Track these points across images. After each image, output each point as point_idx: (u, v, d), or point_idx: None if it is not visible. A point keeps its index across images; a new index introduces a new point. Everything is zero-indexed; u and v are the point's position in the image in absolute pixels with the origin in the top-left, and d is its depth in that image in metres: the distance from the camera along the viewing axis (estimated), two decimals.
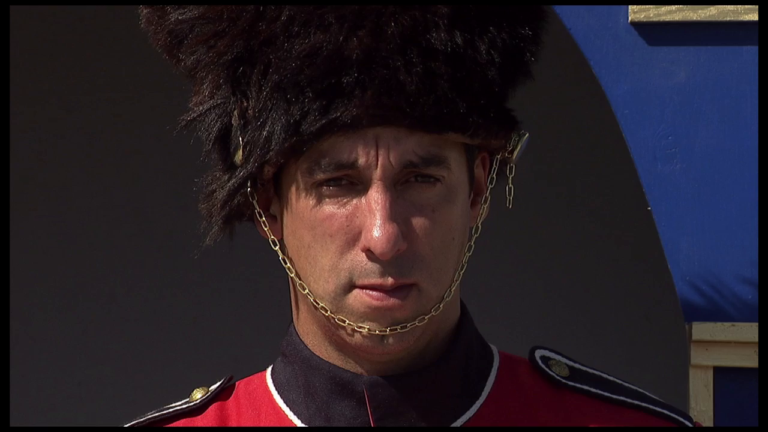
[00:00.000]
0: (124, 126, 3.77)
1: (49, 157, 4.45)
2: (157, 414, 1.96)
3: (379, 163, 1.65)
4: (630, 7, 3.17)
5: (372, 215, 1.64)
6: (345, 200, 1.68)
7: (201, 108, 1.74)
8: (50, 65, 4.28)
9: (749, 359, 2.92)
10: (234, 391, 1.94)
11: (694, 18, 3.18)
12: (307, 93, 1.64)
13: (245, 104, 1.70)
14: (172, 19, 1.75)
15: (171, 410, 1.94)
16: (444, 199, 1.70)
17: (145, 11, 1.83)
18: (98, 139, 4.24)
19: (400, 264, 1.65)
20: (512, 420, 1.84)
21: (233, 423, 1.93)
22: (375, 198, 1.65)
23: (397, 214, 1.65)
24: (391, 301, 1.66)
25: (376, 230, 1.62)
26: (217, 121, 1.72)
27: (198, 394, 1.92)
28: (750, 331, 2.92)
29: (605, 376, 1.97)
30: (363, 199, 1.67)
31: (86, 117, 3.97)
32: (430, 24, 1.66)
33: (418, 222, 1.67)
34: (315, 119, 1.63)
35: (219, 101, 1.73)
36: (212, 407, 1.89)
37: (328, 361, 1.80)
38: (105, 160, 4.56)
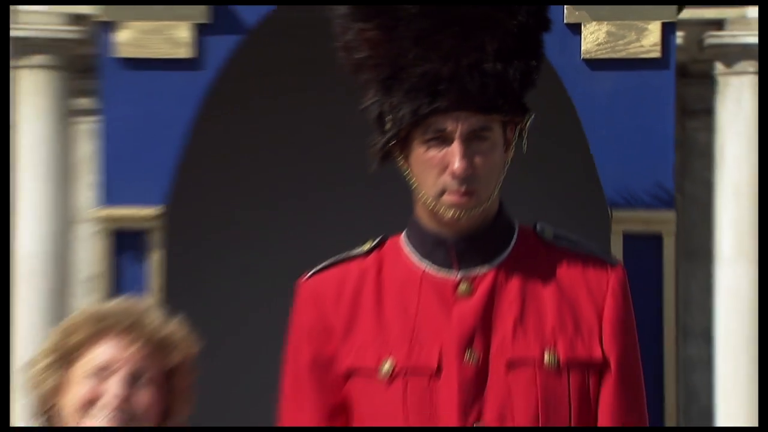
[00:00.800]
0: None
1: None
2: (340, 257, 2.97)
3: (458, 129, 2.64)
4: None
5: (454, 156, 2.62)
6: (440, 149, 2.65)
7: (368, 102, 2.76)
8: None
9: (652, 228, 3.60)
10: (386, 244, 2.92)
11: None
12: (421, 94, 2.67)
13: (390, 100, 2.72)
14: (354, 57, 2.76)
15: (351, 255, 2.93)
16: (490, 149, 2.70)
17: (341, 54, 2.80)
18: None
19: (467, 181, 2.66)
20: (523, 261, 2.89)
21: (386, 262, 2.94)
22: (456, 147, 2.63)
23: (466, 155, 2.64)
24: (464, 199, 2.69)
25: (457, 163, 2.62)
26: (376, 109, 2.74)
27: (367, 245, 2.87)
28: (653, 214, 3.45)
29: (573, 237, 2.97)
30: (449, 148, 2.63)
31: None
32: (485, 57, 2.73)
33: (477, 160, 2.67)
34: (425, 107, 2.64)
35: (376, 99, 2.75)
36: (374, 253, 2.89)
37: (431, 227, 2.81)
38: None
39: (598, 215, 3.48)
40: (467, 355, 2.75)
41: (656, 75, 3.38)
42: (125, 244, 3.33)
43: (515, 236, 2.93)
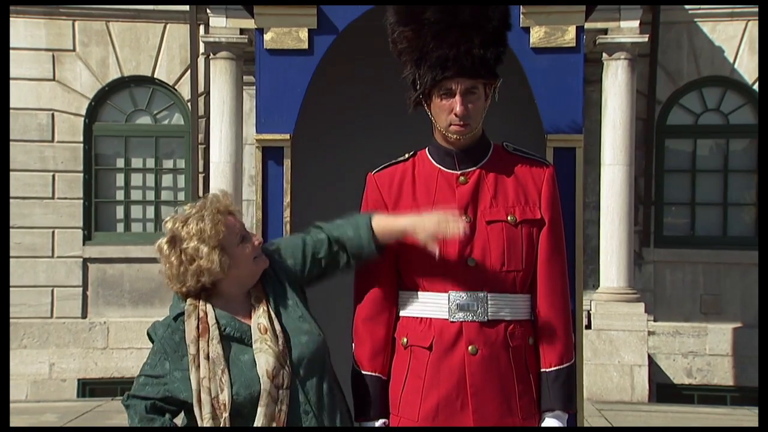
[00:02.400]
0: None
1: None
2: (391, 162, 3.70)
3: (458, 88, 3.44)
4: None
5: (456, 104, 3.44)
6: (448, 100, 3.45)
7: (405, 73, 3.55)
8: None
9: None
10: (417, 155, 3.68)
11: None
12: (437, 68, 3.41)
13: (419, 71, 3.48)
14: (398, 47, 3.54)
15: (397, 161, 3.69)
16: (477, 99, 3.48)
17: (391, 44, 3.58)
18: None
19: (464, 118, 3.45)
20: (495, 164, 3.61)
21: (417, 165, 3.65)
22: (457, 99, 3.44)
23: (463, 103, 3.44)
24: (462, 128, 3.50)
25: (458, 107, 3.44)
26: (411, 77, 3.51)
27: (407, 155, 3.69)
28: (570, 137, 4.13)
29: (524, 150, 3.71)
30: (453, 99, 3.44)
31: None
32: (474, 46, 3.42)
33: (470, 106, 3.45)
34: (439, 76, 3.42)
35: (411, 71, 3.50)
36: (410, 160, 3.67)
37: (443, 145, 3.59)
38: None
39: (539, 138, 4.06)
40: (464, 218, 3.51)
41: (572, 57, 4.05)
42: (270, 155, 4.02)
43: (491, 149, 3.67)
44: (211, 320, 3.37)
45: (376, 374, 3.60)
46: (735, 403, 13.30)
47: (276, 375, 3.30)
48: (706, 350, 14.06)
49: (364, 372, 3.60)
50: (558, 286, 3.60)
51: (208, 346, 3.35)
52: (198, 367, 3.31)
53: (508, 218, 3.55)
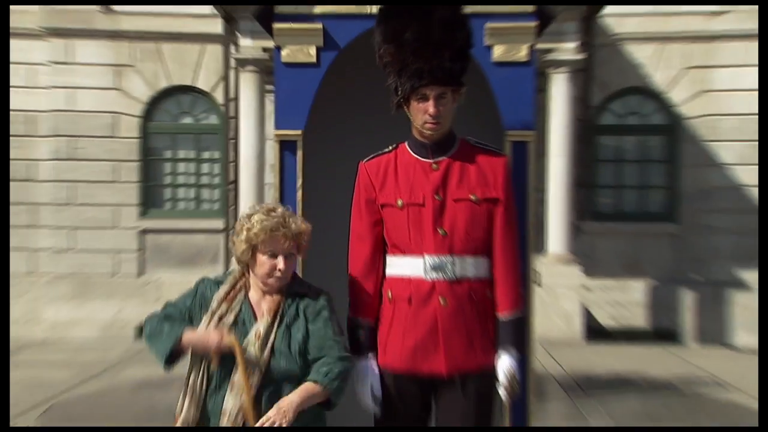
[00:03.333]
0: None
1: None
2: (378, 153, 3.60)
3: (432, 93, 3.34)
4: None
5: (430, 106, 3.34)
6: (423, 103, 3.34)
7: (389, 82, 3.43)
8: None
9: None
10: (399, 147, 3.58)
11: None
12: (415, 78, 3.32)
13: (400, 80, 3.37)
14: (383, 60, 3.44)
15: (383, 152, 3.59)
16: (447, 102, 3.38)
17: (377, 58, 3.46)
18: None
19: (436, 118, 3.36)
20: (461, 154, 3.50)
21: (399, 155, 3.53)
22: (431, 102, 3.34)
23: (436, 106, 3.35)
24: (434, 127, 3.40)
25: (431, 109, 3.35)
26: (393, 84, 3.40)
27: (390, 147, 3.58)
28: (524, 132, 3.99)
29: (484, 143, 3.59)
30: (428, 102, 3.34)
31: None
32: (444, 61, 3.34)
33: (441, 108, 3.36)
34: (417, 84, 3.32)
35: (394, 80, 3.39)
36: (393, 151, 3.57)
37: (419, 139, 3.47)
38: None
39: (499, 133, 3.93)
40: (436, 197, 3.45)
41: (526, 70, 3.93)
42: (286, 147, 3.94)
43: (457, 143, 3.58)
44: (240, 297, 3.33)
45: (366, 321, 3.56)
46: (649, 342, 13.35)
47: (251, 372, 3.20)
48: (626, 300, 14.14)
49: (357, 318, 3.58)
50: (511, 251, 3.54)
51: (227, 311, 3.32)
52: (209, 322, 3.27)
53: (471, 197, 3.48)
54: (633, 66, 14.59)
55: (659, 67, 14.50)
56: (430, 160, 3.50)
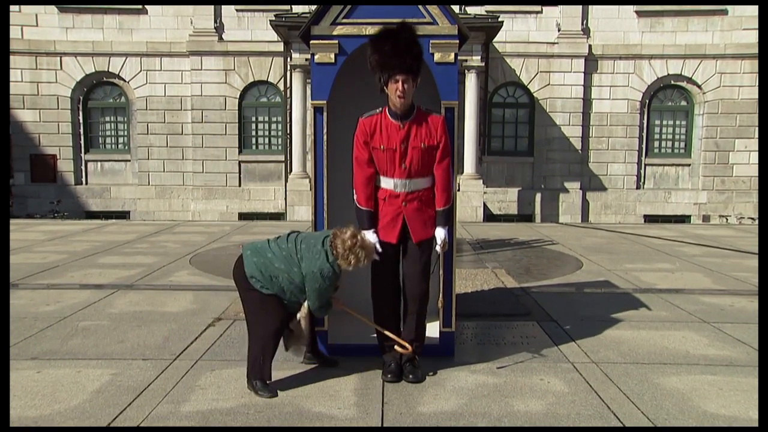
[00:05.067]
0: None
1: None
2: (371, 112, 3.27)
3: (401, 78, 3.08)
4: None
5: (399, 87, 3.09)
6: (395, 84, 3.09)
7: (375, 75, 3.17)
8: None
9: None
10: (384, 109, 3.24)
11: None
12: (390, 69, 3.10)
13: (382, 74, 3.14)
14: (371, 64, 3.15)
15: (374, 112, 3.27)
16: (411, 85, 3.12)
17: (368, 61, 3.14)
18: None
19: (404, 94, 3.12)
20: (417, 118, 3.18)
21: (383, 118, 3.20)
22: (400, 84, 3.09)
23: (403, 87, 3.10)
24: (402, 101, 3.14)
25: (400, 87, 3.09)
26: (377, 76, 3.15)
27: (378, 109, 3.25)
28: (452, 102, 3.57)
29: (432, 109, 3.32)
30: (398, 84, 3.09)
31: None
32: (410, 60, 3.09)
33: (406, 87, 3.11)
34: (392, 74, 3.10)
35: (378, 73, 3.14)
36: (380, 114, 3.24)
37: (392, 108, 3.18)
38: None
39: (438, 102, 3.57)
40: (402, 145, 3.19)
41: (452, 68, 3.56)
42: (318, 111, 3.61)
43: (415, 110, 3.23)
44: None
45: (369, 209, 3.35)
46: (518, 221, 13.36)
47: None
48: (507, 200, 14.08)
49: (363, 208, 3.36)
50: (445, 172, 3.33)
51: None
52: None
53: (422, 145, 3.26)
54: (510, 70, 14.20)
55: (523, 71, 14.08)
56: (399, 123, 3.25)
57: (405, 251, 3.34)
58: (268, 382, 3.06)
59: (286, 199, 13.66)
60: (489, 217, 13.68)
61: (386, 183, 3.28)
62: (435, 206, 3.31)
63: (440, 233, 3.29)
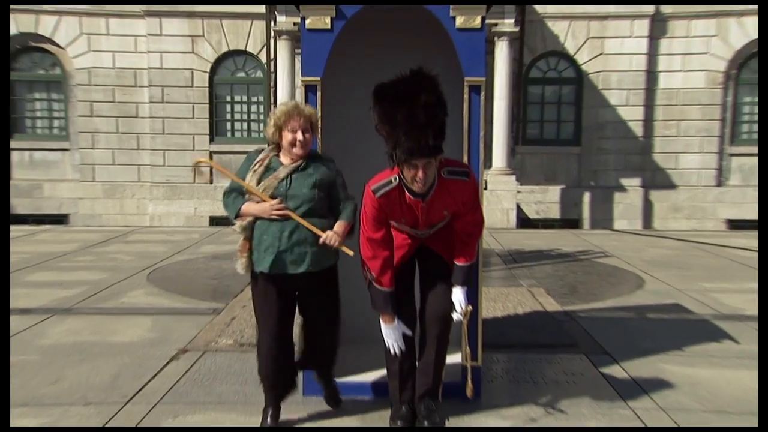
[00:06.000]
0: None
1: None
2: (384, 185, 3.22)
3: (420, 162, 3.01)
4: None
5: (419, 172, 3.03)
6: (414, 169, 3.01)
7: (389, 150, 3.09)
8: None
9: None
10: (398, 182, 3.21)
11: None
12: (407, 154, 2.99)
13: (395, 152, 3.04)
14: (380, 134, 3.09)
15: (389, 185, 3.21)
16: (432, 165, 3.04)
17: (375, 127, 3.09)
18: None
19: (423, 182, 3.04)
20: (438, 190, 3.18)
21: (401, 196, 3.21)
22: (420, 170, 3.02)
23: (424, 172, 3.03)
24: (422, 188, 3.10)
25: (420, 174, 3.02)
26: (390, 152, 3.07)
27: (392, 181, 3.20)
28: (478, 78, 3.66)
29: (454, 168, 3.21)
30: (417, 170, 3.02)
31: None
32: (429, 138, 2.98)
33: (428, 172, 3.05)
34: (410, 158, 3.00)
35: (390, 150, 3.07)
36: (397, 187, 3.20)
37: (412, 190, 3.13)
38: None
39: (458, 77, 3.64)
40: (424, 217, 3.25)
41: (479, 34, 3.65)
42: (310, 90, 3.68)
43: (436, 181, 3.20)
44: (272, 156, 3.37)
45: (390, 289, 3.38)
46: (560, 228, 13.44)
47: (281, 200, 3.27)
48: (546, 200, 14.12)
49: (382, 289, 3.36)
50: (471, 224, 3.40)
51: (261, 166, 3.36)
52: (251, 175, 3.35)
53: (444, 212, 3.31)
54: (552, 36, 14.24)
55: (569, 37, 14.12)
56: (421, 201, 3.23)
57: (422, 266, 3.43)
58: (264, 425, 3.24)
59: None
60: (524, 222, 13.73)
61: (403, 229, 3.43)
62: (454, 248, 3.37)
63: (458, 295, 3.31)
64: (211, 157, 14.62)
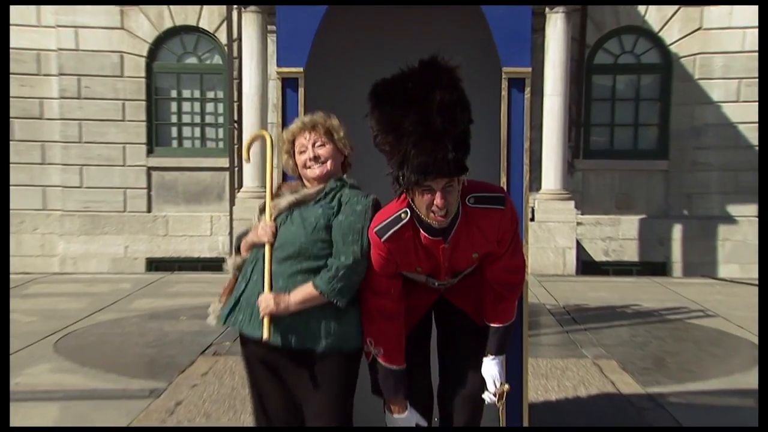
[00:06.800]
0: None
1: None
2: (391, 224, 3.26)
3: (438, 186, 3.03)
4: None
5: (437, 198, 3.04)
6: (429, 193, 3.04)
7: (391, 171, 3.13)
8: None
9: None
10: (411, 220, 3.27)
11: None
12: (419, 173, 3.02)
13: (402, 171, 3.07)
14: (381, 148, 3.15)
15: (398, 224, 3.23)
16: (452, 191, 3.07)
17: (374, 142, 3.15)
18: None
19: (443, 210, 3.06)
20: (462, 226, 3.24)
21: (416, 238, 3.26)
22: (438, 195, 3.04)
23: (443, 197, 3.04)
24: (441, 219, 3.12)
25: (439, 200, 3.04)
26: (395, 173, 3.11)
27: (402, 216, 3.22)
28: (521, 69, 3.80)
29: (484, 194, 3.26)
30: (433, 195, 3.04)
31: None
32: (449, 152, 3.02)
33: (448, 198, 3.06)
34: (422, 180, 3.02)
35: (395, 170, 3.11)
36: (408, 225, 3.24)
37: (428, 223, 3.19)
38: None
39: (495, 66, 3.78)
40: (447, 263, 3.33)
41: (522, 8, 3.79)
42: (288, 85, 3.83)
43: (460, 211, 3.26)
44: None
45: (400, 368, 3.47)
46: (639, 274, 13.49)
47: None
48: (619, 236, 14.21)
49: (390, 367, 3.46)
50: (507, 271, 3.49)
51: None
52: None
53: (474, 255, 3.37)
54: (626, 7, 14.41)
55: (652, 6, 14.30)
56: (442, 241, 3.27)
57: (441, 326, 3.54)
58: None
59: (231, 234, 13.89)
60: (587, 266, 13.80)
61: (416, 278, 3.48)
62: (484, 302, 3.47)
63: (491, 369, 3.40)
64: (149, 176, 14.81)
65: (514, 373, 3.51)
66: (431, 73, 3.08)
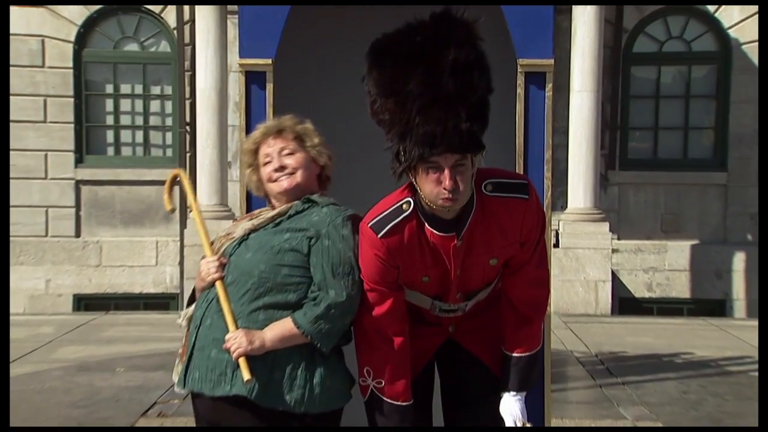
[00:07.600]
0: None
1: None
2: (389, 217, 3.32)
3: (446, 163, 3.07)
4: None
5: (446, 178, 3.07)
6: (435, 172, 3.08)
7: (389, 144, 3.18)
8: None
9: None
10: (413, 213, 3.33)
11: None
12: (425, 145, 3.06)
13: (404, 145, 3.10)
14: (379, 117, 3.19)
15: (399, 217, 3.31)
16: (465, 171, 3.11)
17: (370, 111, 3.20)
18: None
19: (453, 192, 3.09)
20: (478, 219, 3.30)
21: (422, 236, 3.32)
22: (447, 173, 3.07)
23: (452, 177, 3.08)
24: (450, 203, 3.13)
25: (447, 182, 3.06)
26: (395, 149, 3.16)
27: (404, 209, 3.29)
28: (541, 61, 3.95)
29: (504, 180, 3.35)
30: (441, 173, 3.08)
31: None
32: (461, 121, 3.06)
33: (458, 178, 3.09)
34: (427, 153, 3.06)
35: (395, 143, 3.16)
36: (411, 221, 3.31)
37: (435, 213, 3.27)
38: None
39: (511, 63, 3.93)
40: (458, 271, 3.38)
41: None
42: (253, 80, 3.93)
43: (474, 204, 3.32)
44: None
45: (407, 403, 3.54)
46: (691, 314, 13.52)
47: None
48: (666, 266, 14.23)
49: (395, 403, 3.53)
50: (533, 286, 3.57)
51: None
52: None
53: (491, 262, 3.43)
54: None
55: None
56: (454, 237, 3.33)
57: (448, 376, 3.62)
58: None
59: (182, 263, 13.84)
60: (625, 303, 13.86)
61: (419, 300, 3.54)
62: (502, 326, 3.54)
63: (511, 406, 3.46)
64: (77, 192, 14.74)
65: (534, 416, 3.60)
66: (444, 27, 3.10)
